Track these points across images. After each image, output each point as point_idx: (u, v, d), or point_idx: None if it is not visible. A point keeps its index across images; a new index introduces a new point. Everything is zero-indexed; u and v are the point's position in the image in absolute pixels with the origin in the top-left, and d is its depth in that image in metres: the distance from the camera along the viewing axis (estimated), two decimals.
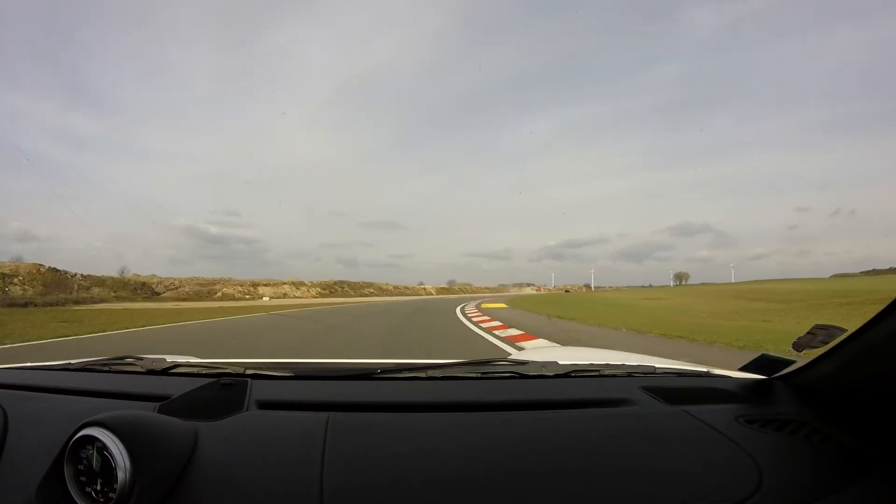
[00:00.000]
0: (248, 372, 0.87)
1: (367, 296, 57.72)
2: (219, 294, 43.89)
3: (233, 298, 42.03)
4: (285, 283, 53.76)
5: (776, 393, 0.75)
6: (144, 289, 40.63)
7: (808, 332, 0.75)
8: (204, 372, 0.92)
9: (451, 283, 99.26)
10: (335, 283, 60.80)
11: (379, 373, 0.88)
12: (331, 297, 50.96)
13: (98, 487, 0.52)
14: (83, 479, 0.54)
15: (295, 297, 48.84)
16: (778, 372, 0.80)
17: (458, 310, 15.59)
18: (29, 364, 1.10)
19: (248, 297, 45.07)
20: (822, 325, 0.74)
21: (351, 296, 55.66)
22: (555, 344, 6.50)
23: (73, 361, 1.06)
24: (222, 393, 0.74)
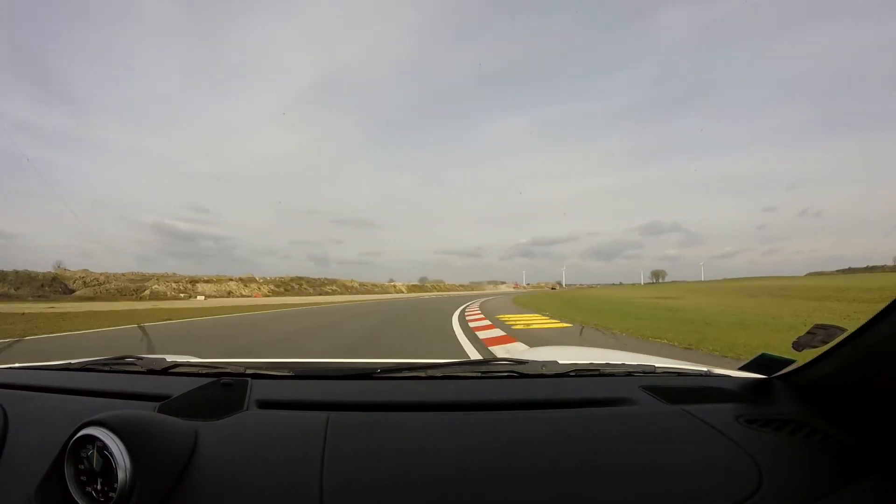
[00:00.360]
0: (249, 371, 0.87)
1: (328, 294, 51.03)
2: (147, 292, 37.96)
3: (163, 298, 36.22)
4: (231, 280, 47.55)
5: (776, 392, 0.76)
6: (55, 284, 35.48)
7: (807, 332, 0.75)
8: (204, 372, 0.92)
9: (423, 280, 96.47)
10: (292, 280, 54.11)
11: (379, 372, 0.88)
12: (285, 295, 46.15)
13: (98, 487, 0.52)
14: (83, 478, 0.54)
15: (242, 295, 44.03)
16: (778, 371, 0.80)
17: (461, 333, 7.30)
18: (29, 364, 1.10)
19: (182, 295, 39.42)
20: (822, 325, 0.74)
21: (309, 294, 49.37)
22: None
23: (73, 361, 1.05)
24: (222, 392, 0.74)
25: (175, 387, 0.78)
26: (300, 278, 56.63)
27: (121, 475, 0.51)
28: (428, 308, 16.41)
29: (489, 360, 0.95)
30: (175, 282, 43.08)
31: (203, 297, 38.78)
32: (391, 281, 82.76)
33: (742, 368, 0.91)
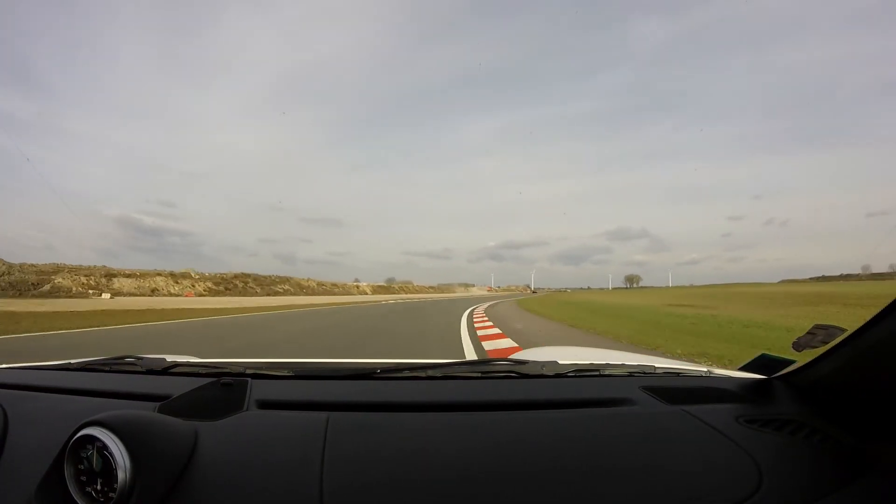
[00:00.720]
0: (249, 372, 0.87)
1: (278, 295, 43.87)
2: (47, 287, 29.84)
3: (66, 294, 29.03)
4: (160, 275, 38.93)
5: (776, 393, 0.76)
6: None
7: (807, 332, 0.76)
8: (204, 372, 0.91)
9: (390, 281, 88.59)
10: (235, 277, 46.01)
11: (378, 372, 0.87)
12: (225, 294, 39.43)
13: (98, 487, 0.52)
14: (83, 478, 0.54)
15: (170, 294, 35.91)
16: (778, 372, 0.81)
17: None
18: (29, 364, 1.10)
19: (91, 292, 31.62)
20: (822, 325, 0.74)
21: (256, 294, 42.87)
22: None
23: (72, 361, 1.05)
24: (222, 393, 0.73)
25: (175, 387, 0.78)
26: (246, 275, 48.26)
27: (121, 475, 0.51)
28: (392, 327, 9.61)
29: (489, 361, 0.95)
30: (86, 275, 34.17)
31: (109, 296, 30.41)
32: (356, 281, 72.89)
33: (742, 369, 0.92)
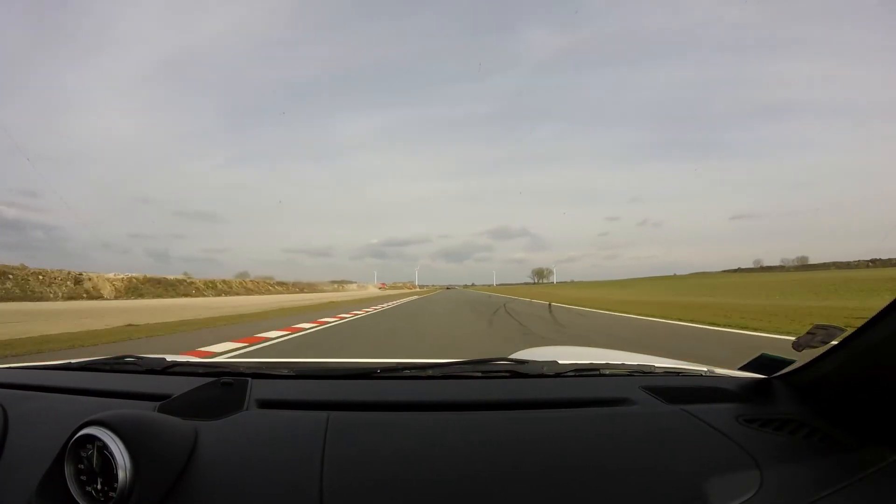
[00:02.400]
0: (248, 371, 0.87)
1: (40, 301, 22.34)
2: None
3: None
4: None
5: (776, 392, 0.76)
6: None
7: (807, 332, 0.76)
8: (204, 371, 0.91)
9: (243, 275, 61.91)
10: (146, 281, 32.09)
11: (378, 372, 0.87)
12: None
13: (98, 486, 0.52)
14: (83, 478, 0.54)
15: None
16: (778, 371, 0.81)
17: None
18: (29, 363, 1.10)
19: None
20: (822, 325, 0.75)
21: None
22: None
23: (73, 361, 1.05)
24: (222, 392, 0.73)
25: (175, 386, 0.78)
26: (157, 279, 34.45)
27: (121, 475, 0.51)
28: None
29: (489, 360, 0.94)
30: None
31: None
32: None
33: (742, 368, 0.92)
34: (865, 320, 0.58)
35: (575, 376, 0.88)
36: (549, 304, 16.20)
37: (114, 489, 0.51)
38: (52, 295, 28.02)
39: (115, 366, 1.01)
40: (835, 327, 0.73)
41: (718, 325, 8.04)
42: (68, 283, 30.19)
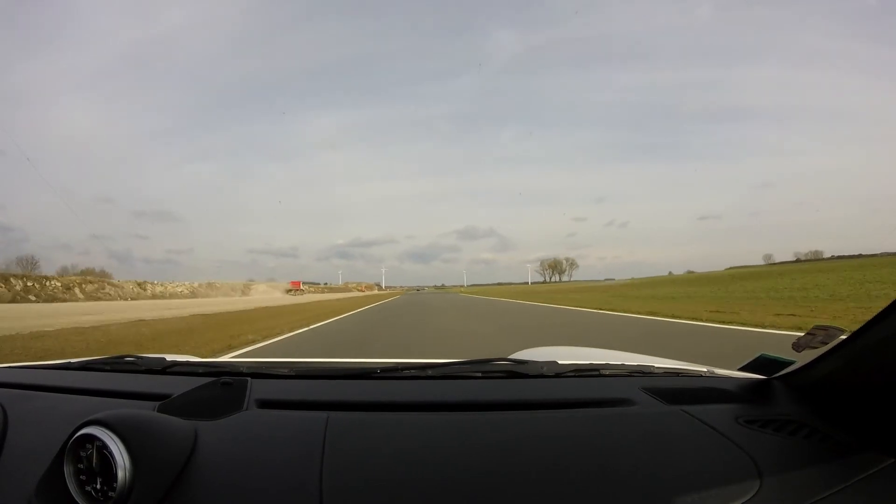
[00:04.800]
0: (248, 371, 0.87)
1: None
2: None
3: None
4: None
5: (776, 393, 0.76)
6: None
7: (807, 333, 0.76)
8: (203, 371, 0.91)
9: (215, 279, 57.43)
10: None
11: (378, 372, 0.87)
12: None
13: (98, 486, 0.52)
14: (83, 477, 0.54)
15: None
16: (777, 372, 0.80)
17: None
18: (29, 363, 1.10)
19: None
20: (822, 326, 0.74)
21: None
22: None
23: (73, 360, 1.05)
24: (222, 392, 0.73)
25: (174, 386, 0.78)
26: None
27: (120, 474, 0.51)
28: None
29: (489, 360, 0.94)
30: None
31: None
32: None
33: (742, 369, 0.92)
34: (863, 322, 0.57)
35: (575, 377, 0.88)
36: None
37: (113, 489, 0.51)
38: None
39: (114, 365, 1.01)
40: (835, 328, 0.72)
41: None
42: None
